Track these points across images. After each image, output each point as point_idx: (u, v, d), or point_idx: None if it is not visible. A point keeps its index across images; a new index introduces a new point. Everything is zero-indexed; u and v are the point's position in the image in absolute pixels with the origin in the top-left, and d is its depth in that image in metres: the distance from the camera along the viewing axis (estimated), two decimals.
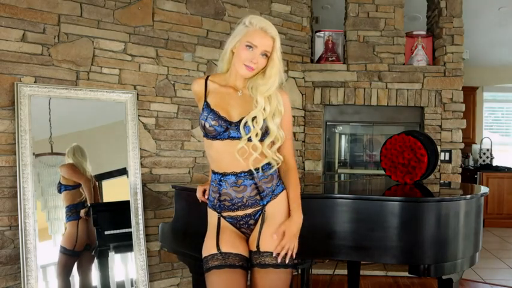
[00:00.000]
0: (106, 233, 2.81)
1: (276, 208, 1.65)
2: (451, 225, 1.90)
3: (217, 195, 1.65)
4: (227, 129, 1.60)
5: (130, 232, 2.90)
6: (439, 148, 3.90)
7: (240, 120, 1.60)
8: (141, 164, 3.01)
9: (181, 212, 2.27)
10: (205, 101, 1.68)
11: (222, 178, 1.63)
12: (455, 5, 4.03)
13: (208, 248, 1.63)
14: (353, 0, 4.07)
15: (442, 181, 3.78)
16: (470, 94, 6.48)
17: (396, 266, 3.83)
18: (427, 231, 1.85)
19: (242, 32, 1.62)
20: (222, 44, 3.37)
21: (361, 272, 3.16)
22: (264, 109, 1.60)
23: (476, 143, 6.81)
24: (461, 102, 4.01)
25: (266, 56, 1.61)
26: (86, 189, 2.75)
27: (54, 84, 2.68)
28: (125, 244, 2.89)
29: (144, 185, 3.03)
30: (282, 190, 1.68)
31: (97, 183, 2.85)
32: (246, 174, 1.62)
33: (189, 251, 2.19)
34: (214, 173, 1.67)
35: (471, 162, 6.75)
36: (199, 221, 2.07)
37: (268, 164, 1.64)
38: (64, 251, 2.66)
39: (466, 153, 6.50)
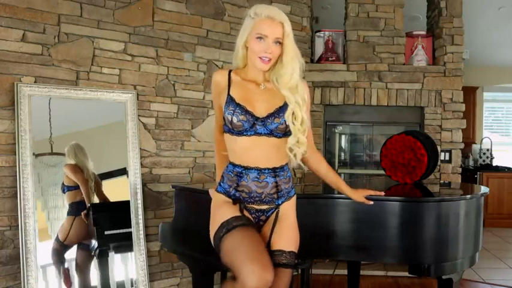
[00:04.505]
0: (106, 233, 2.81)
1: (288, 209, 1.66)
2: (451, 225, 1.90)
3: (235, 185, 1.62)
4: (254, 125, 1.57)
5: (130, 232, 2.90)
6: (439, 148, 3.90)
7: (267, 117, 1.57)
8: (141, 164, 3.01)
9: (181, 212, 2.27)
10: (229, 94, 1.61)
11: (244, 171, 1.61)
12: (455, 5, 4.03)
13: (230, 212, 1.58)
14: (353, 0, 4.07)
15: (442, 181, 3.78)
16: (470, 94, 6.48)
17: (396, 266, 3.83)
18: (427, 231, 1.85)
19: (250, 24, 1.58)
20: (222, 44, 3.38)
21: (361, 272, 3.16)
22: (296, 101, 1.58)
23: (476, 143, 6.81)
24: (461, 102, 4.01)
25: (279, 43, 1.58)
26: (84, 190, 2.75)
27: (54, 84, 2.68)
28: (124, 244, 2.89)
29: (144, 185, 3.03)
30: (294, 194, 1.71)
31: (100, 181, 2.85)
32: (270, 171, 1.61)
33: (189, 251, 2.20)
34: (234, 164, 1.63)
35: (471, 162, 6.75)
36: (199, 221, 2.07)
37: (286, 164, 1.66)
38: (56, 238, 2.68)
39: (466, 153, 6.50)
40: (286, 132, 1.59)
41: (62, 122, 2.73)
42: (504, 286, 3.67)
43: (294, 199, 1.70)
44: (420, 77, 4.02)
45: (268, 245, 1.60)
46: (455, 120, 4.01)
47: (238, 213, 1.57)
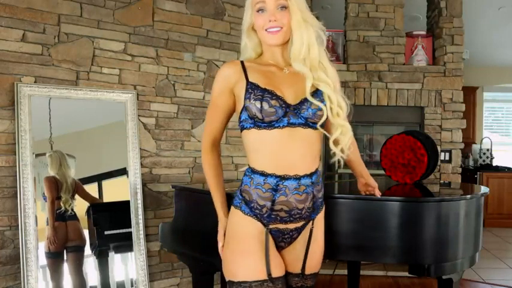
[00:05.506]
0: (106, 233, 2.81)
1: (320, 224, 1.44)
2: (451, 225, 1.89)
3: (269, 203, 1.31)
4: (286, 114, 1.28)
5: (130, 232, 2.90)
6: (439, 148, 3.90)
7: (301, 103, 1.30)
8: (141, 164, 3.01)
9: (181, 212, 2.27)
10: (248, 81, 1.32)
11: (281, 183, 1.29)
12: (455, 5, 4.03)
13: (253, 271, 1.29)
14: (353, 0, 4.07)
15: (442, 181, 3.78)
16: (470, 94, 6.48)
17: (396, 266, 3.83)
18: (427, 231, 1.85)
19: (249, 2, 1.39)
20: (222, 44, 3.38)
21: (361, 272, 3.16)
22: (326, 81, 1.32)
23: (476, 143, 6.82)
24: (461, 102, 4.01)
25: (285, 7, 1.31)
26: (49, 207, 2.65)
27: (54, 84, 2.68)
28: (124, 244, 2.89)
29: (144, 185, 3.03)
30: (323, 202, 1.47)
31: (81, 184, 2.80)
32: (308, 178, 1.32)
33: (189, 251, 2.19)
34: (264, 174, 1.31)
35: (471, 162, 6.76)
36: (199, 221, 2.08)
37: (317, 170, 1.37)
38: (46, 255, 2.61)
39: (466, 153, 6.51)
40: (322, 124, 1.33)
41: (62, 122, 2.73)
42: (504, 286, 3.67)
43: (324, 210, 1.47)
44: (420, 77, 4.02)
45: (303, 268, 1.41)
46: (455, 120, 4.01)
47: (264, 275, 1.27)
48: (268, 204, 1.31)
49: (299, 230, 1.39)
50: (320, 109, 1.31)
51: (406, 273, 2.49)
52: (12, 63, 2.56)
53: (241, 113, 1.33)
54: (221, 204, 1.42)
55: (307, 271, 1.41)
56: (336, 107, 1.32)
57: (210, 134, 1.43)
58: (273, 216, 1.32)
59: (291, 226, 1.36)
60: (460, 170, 4.08)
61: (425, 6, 4.47)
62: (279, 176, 1.29)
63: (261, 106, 1.26)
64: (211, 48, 3.35)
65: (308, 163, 1.33)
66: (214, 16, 3.36)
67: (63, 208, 2.71)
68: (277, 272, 1.32)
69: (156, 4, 3.10)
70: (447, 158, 4.02)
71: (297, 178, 1.30)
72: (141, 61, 3.05)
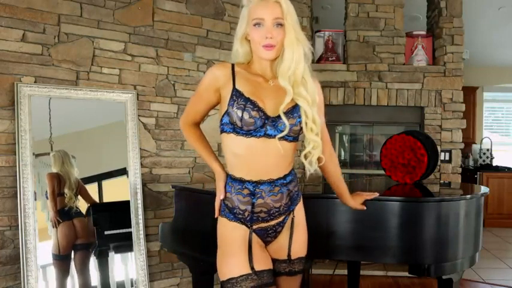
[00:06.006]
0: (106, 233, 2.81)
1: (300, 212, 1.55)
2: (451, 225, 1.89)
3: (249, 206, 1.43)
4: (264, 125, 1.38)
5: (130, 232, 2.90)
6: (439, 148, 3.90)
7: (279, 116, 1.38)
8: (141, 164, 3.01)
9: (181, 212, 2.27)
10: (235, 87, 1.40)
11: (257, 187, 1.42)
12: (455, 5, 4.03)
13: (238, 267, 1.41)
14: (353, 0, 4.07)
15: (442, 181, 3.78)
16: (470, 94, 6.48)
17: (396, 266, 3.83)
18: (427, 231, 1.85)
19: (245, 13, 1.42)
20: (222, 44, 3.38)
21: (361, 272, 3.16)
22: (303, 95, 1.39)
23: (476, 143, 6.81)
24: (461, 102, 4.01)
25: (281, 25, 1.37)
26: (51, 200, 2.65)
27: (54, 84, 2.68)
28: (124, 244, 2.89)
29: (144, 185, 3.03)
30: (299, 193, 1.58)
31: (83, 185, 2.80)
32: (281, 180, 1.44)
33: (189, 251, 2.20)
34: (242, 180, 1.43)
35: (471, 162, 6.75)
36: (199, 221, 2.08)
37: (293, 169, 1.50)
38: (52, 257, 2.62)
39: (466, 153, 6.50)
40: (297, 136, 1.44)
41: (62, 122, 2.73)
42: (504, 286, 3.67)
43: (301, 200, 1.57)
44: (420, 77, 4.02)
45: (289, 254, 1.51)
46: (455, 120, 4.01)
47: (248, 270, 1.40)
48: (249, 208, 1.43)
49: (282, 224, 1.50)
50: (296, 124, 1.40)
51: (406, 273, 2.49)
52: (12, 63, 2.56)
53: (223, 115, 1.42)
54: (214, 160, 1.53)
55: (293, 256, 1.52)
56: (311, 123, 1.41)
57: (190, 116, 1.55)
58: (254, 218, 1.45)
59: (273, 222, 1.48)
60: (460, 170, 4.08)
61: (425, 6, 4.47)
62: (255, 182, 1.42)
63: (242, 115, 1.36)
64: (211, 48, 3.35)
65: (281, 169, 1.44)
66: (214, 16, 3.36)
67: (67, 205, 2.72)
68: (261, 265, 1.42)
69: (156, 4, 3.11)
70: (447, 158, 4.02)
71: (271, 182, 1.43)
72: (141, 61, 3.05)
